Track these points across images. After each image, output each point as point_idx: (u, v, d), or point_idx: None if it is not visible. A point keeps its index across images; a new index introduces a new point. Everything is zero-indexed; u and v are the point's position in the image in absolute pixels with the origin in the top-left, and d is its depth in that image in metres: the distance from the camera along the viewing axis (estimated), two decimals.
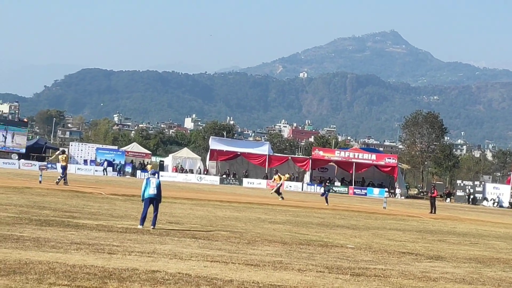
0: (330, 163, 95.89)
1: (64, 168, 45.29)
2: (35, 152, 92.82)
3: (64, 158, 45.85)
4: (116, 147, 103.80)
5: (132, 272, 13.17)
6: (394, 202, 68.75)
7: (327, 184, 57.01)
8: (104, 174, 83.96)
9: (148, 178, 22.57)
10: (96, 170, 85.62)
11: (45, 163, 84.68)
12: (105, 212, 26.88)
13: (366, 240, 24.45)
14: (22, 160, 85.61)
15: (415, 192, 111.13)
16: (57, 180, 44.47)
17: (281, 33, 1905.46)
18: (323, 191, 51.35)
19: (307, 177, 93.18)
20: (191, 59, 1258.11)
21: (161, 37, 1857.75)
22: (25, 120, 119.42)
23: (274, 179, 53.97)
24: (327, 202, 48.17)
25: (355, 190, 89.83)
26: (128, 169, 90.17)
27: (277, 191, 51.94)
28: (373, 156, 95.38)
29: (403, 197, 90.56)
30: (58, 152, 49.20)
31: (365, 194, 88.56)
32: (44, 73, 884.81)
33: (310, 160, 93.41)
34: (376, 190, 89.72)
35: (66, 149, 55.93)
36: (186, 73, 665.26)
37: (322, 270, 15.62)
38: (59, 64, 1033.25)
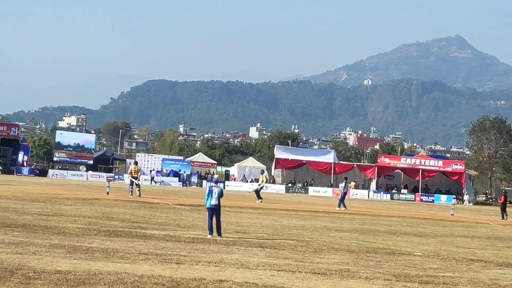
0: (396, 170, 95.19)
1: (135, 179, 45.56)
2: (102, 163, 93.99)
3: (135, 170, 46.10)
4: (182, 158, 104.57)
5: (200, 281, 13.23)
6: (462, 209, 67.85)
7: None
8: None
9: (210, 187, 22.69)
10: (162, 181, 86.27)
11: (113, 174, 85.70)
12: (172, 222, 27.05)
13: (434, 248, 24.18)
14: (90, 172, 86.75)
15: (483, 199, 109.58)
16: (138, 193, 44.69)
17: (345, 41, 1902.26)
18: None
19: (373, 185, 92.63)
20: (255, 69, 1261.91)
21: (225, 47, 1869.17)
22: (93, 132, 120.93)
23: (262, 180, 53.08)
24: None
25: (422, 197, 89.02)
26: (194, 179, 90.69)
27: (257, 192, 50.89)
28: (440, 163, 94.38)
29: (471, 204, 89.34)
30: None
31: (432, 201, 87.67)
32: (110, 85, 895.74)
33: (376, 168, 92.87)
34: (443, 197, 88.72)
35: (137, 161, 56.15)
36: (250, 82, 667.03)
37: (389, 278, 15.49)
38: (125, 75, 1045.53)
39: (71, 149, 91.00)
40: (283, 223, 30.96)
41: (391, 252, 21.45)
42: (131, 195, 44.25)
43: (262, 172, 56.62)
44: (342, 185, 49.77)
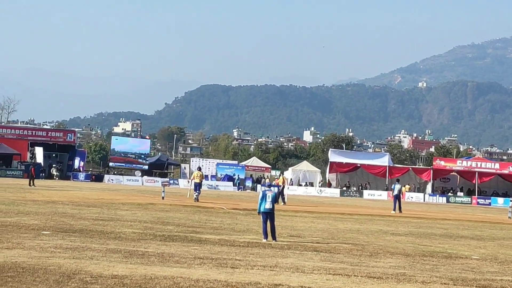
0: (452, 173, 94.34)
1: (198, 185, 45.75)
2: (157, 168, 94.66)
3: (198, 175, 46.33)
4: (236, 162, 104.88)
5: (255, 286, 13.24)
6: None
7: None
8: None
9: (264, 191, 22.69)
10: (216, 185, 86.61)
11: (168, 179, 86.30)
12: (227, 227, 27.11)
13: (492, 251, 23.89)
14: (145, 177, 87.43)
15: None
16: (195, 198, 44.87)
17: (399, 43, 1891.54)
18: None
19: (428, 188, 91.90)
20: (309, 72, 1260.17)
21: (278, 51, 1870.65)
22: (147, 137, 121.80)
23: (277, 180, 51.86)
24: None
25: (478, 200, 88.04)
26: (248, 183, 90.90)
27: (281, 195, 48.85)
28: (497, 165, 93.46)
29: None
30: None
31: (489, 204, 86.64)
32: (164, 91, 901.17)
33: (432, 171, 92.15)
34: (500, 200, 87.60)
35: (201, 167, 56.35)
36: (304, 86, 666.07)
37: (446, 282, 15.34)
38: (179, 81, 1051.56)
39: (126, 154, 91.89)
40: (338, 227, 30.85)
41: (447, 256, 21.24)
42: (197, 200, 44.37)
43: (282, 173, 55.39)
44: (396, 187, 49.44)
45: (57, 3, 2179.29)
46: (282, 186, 50.57)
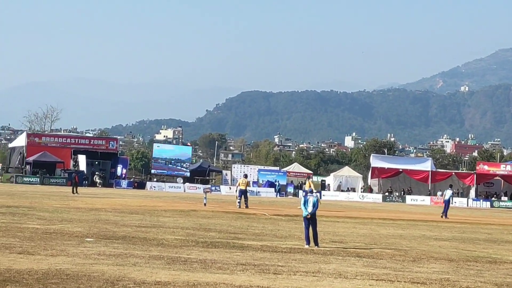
0: (496, 178, 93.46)
1: (243, 192, 45.70)
2: (199, 175, 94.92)
3: (243, 182, 46.40)
4: (277, 168, 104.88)
5: None
6: None
7: None
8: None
9: (306, 197, 22.67)
10: (258, 192, 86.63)
11: (209, 186, 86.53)
12: (269, 233, 27.10)
13: None
14: (187, 184, 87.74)
15: None
16: (246, 205, 44.95)
17: (440, 47, 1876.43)
18: None
19: (472, 193, 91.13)
20: (349, 78, 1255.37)
21: (318, 57, 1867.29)
22: (189, 144, 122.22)
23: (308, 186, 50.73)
24: None
25: None
26: (290, 189, 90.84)
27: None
28: None
29: None
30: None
31: None
32: (205, 98, 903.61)
33: (475, 175, 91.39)
34: None
35: (247, 174, 56.31)
36: (344, 91, 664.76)
37: None
38: (220, 87, 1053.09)
39: (168, 162, 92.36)
40: (381, 232, 30.72)
41: (492, 261, 21.06)
42: (239, 207, 44.41)
43: (308, 178, 54.45)
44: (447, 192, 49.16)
45: (98, 13, 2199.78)
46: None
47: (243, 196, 45.46)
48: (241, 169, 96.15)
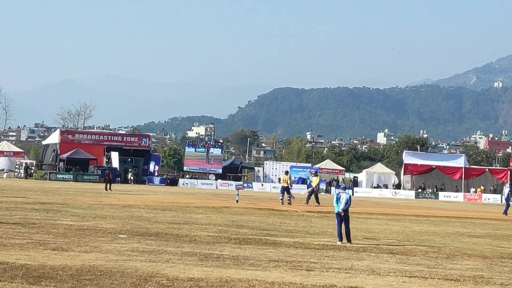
0: None
1: (285, 189, 45.99)
2: (231, 172, 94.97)
3: (285, 179, 46.68)
4: (309, 165, 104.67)
5: None
6: None
7: None
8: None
9: (338, 194, 22.65)
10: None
11: (242, 182, 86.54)
12: (301, 229, 27.08)
13: None
14: (219, 180, 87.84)
15: None
16: (289, 201, 45.29)
17: (473, 43, 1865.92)
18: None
19: (506, 189, 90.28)
20: (382, 74, 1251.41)
21: (350, 54, 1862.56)
22: (221, 141, 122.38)
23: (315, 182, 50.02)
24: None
25: None
26: (322, 186, 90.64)
27: (316, 195, 47.50)
28: None
29: None
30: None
31: None
32: (238, 95, 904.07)
33: (509, 171, 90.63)
34: None
35: (288, 171, 56.27)
36: (377, 88, 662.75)
37: None
38: (252, 85, 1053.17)
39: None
40: (414, 229, 30.58)
41: None
42: (282, 203, 44.72)
43: (316, 173, 53.74)
44: (506, 190, 49.10)
45: (132, 13, 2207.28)
46: (317, 187, 49.78)
47: (285, 192, 45.77)
48: (273, 165, 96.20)
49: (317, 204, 45.76)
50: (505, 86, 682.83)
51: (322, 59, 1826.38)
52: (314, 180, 49.57)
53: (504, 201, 50.19)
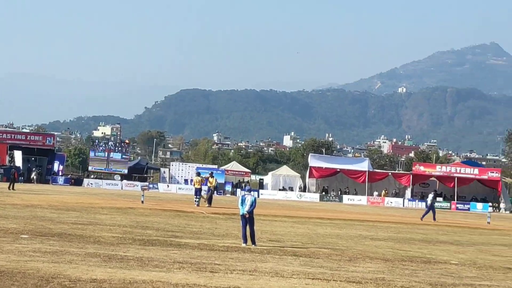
0: (431, 178, 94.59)
1: (199, 191, 46.07)
2: (137, 172, 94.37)
3: (197, 181, 46.67)
4: (216, 166, 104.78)
5: None
6: (498, 217, 67.31)
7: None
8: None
9: (243, 196, 22.71)
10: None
11: (147, 183, 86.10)
12: (206, 231, 27.09)
13: (470, 256, 24.01)
14: (124, 181, 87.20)
15: None
16: (207, 201, 45.45)
17: (378, 49, 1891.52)
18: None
19: (408, 193, 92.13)
20: (289, 77, 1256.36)
21: (256, 57, 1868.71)
22: (127, 141, 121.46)
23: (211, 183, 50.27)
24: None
25: (457, 205, 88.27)
26: (228, 187, 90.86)
27: (209, 197, 47.58)
28: (476, 171, 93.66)
29: (507, 212, 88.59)
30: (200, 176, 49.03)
31: (468, 209, 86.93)
32: (145, 95, 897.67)
33: (411, 176, 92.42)
34: (479, 205, 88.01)
35: (200, 172, 55.84)
36: (284, 91, 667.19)
37: (425, 287, 15.41)
38: (159, 85, 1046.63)
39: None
40: (318, 232, 30.90)
41: (426, 261, 21.35)
42: (197, 205, 44.74)
43: (211, 174, 53.26)
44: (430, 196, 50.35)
45: (41, 9, 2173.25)
46: (213, 188, 49.72)
47: (201, 194, 45.95)
48: (179, 167, 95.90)
49: (208, 205, 45.80)
50: (408, 92, 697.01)
51: (230, 61, 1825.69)
52: (210, 182, 49.43)
53: (426, 207, 51.45)
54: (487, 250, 26.96)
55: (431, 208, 49.20)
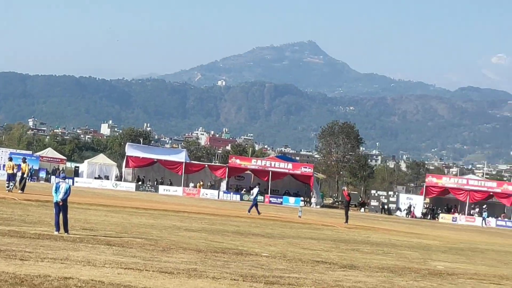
0: (246, 172, 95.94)
1: (12, 176, 45.09)
2: None
3: (9, 166, 45.55)
4: (30, 152, 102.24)
5: (44, 278, 13.01)
6: (309, 211, 69.27)
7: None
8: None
9: (58, 183, 22.39)
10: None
11: None
12: (17, 218, 26.47)
13: (281, 249, 24.60)
14: None
15: (330, 202, 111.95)
16: (19, 188, 44.55)
17: (199, 41, 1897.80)
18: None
19: (223, 185, 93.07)
20: (109, 65, 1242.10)
21: (77, 43, 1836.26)
22: None
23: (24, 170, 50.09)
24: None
25: (271, 199, 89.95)
26: (42, 174, 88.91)
27: (20, 182, 47.75)
28: (289, 165, 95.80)
29: (318, 206, 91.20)
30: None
31: (281, 203, 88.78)
32: None
33: (227, 168, 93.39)
34: (292, 199, 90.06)
35: (12, 157, 53.97)
36: (103, 78, 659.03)
37: (236, 278, 15.66)
38: None
39: None
40: (132, 221, 30.82)
41: (238, 253, 21.69)
42: (9, 191, 44.20)
43: (24, 160, 52.47)
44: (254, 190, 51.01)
45: None
46: (26, 174, 49.20)
47: (15, 179, 45.15)
48: None
49: (20, 191, 45.21)
50: (228, 85, 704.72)
51: (49, 45, 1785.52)
52: (23, 168, 48.45)
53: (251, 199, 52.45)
54: (297, 243, 27.70)
55: (254, 201, 50.02)
